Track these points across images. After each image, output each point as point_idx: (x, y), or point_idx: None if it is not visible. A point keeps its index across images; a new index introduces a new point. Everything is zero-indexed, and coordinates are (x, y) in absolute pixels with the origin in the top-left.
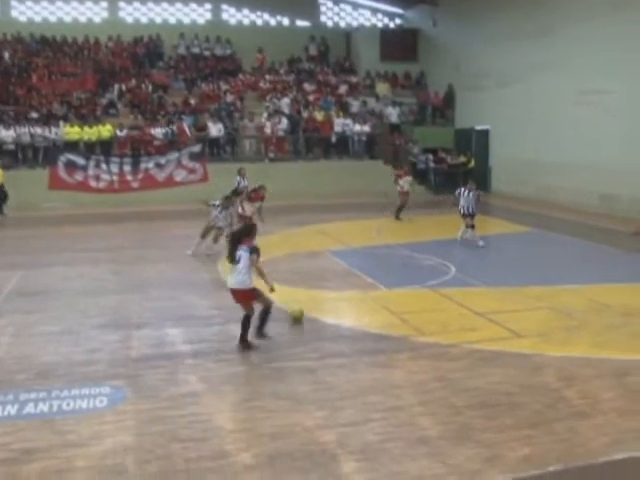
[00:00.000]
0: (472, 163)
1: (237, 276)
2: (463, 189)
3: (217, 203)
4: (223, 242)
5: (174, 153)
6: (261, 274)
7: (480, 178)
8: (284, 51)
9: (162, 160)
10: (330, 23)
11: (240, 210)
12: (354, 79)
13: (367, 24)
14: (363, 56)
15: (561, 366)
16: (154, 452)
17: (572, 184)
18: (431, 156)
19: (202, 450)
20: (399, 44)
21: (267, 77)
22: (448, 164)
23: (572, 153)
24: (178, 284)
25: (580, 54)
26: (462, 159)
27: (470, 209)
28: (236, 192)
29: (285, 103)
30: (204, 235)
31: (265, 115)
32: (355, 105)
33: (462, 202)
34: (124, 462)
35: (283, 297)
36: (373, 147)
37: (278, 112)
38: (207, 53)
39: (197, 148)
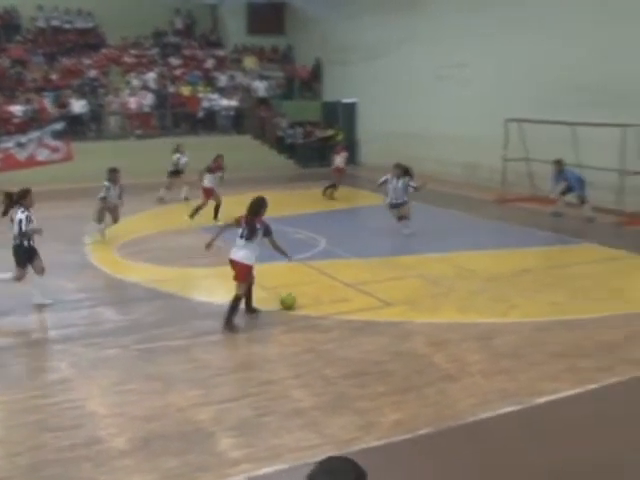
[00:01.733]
0: (340, 136)
1: (241, 250)
2: (390, 176)
3: (106, 184)
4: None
5: (35, 131)
6: (279, 250)
7: (348, 151)
8: (149, 24)
9: (23, 139)
10: None
11: (205, 184)
12: (221, 53)
13: None
14: (230, 29)
15: (429, 332)
16: (24, 444)
17: (437, 155)
18: (300, 129)
19: (75, 438)
20: (266, 17)
21: (132, 51)
22: (317, 138)
23: (436, 124)
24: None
25: (443, 28)
26: (330, 132)
27: (399, 199)
28: (177, 172)
29: (151, 78)
30: (100, 219)
31: (128, 91)
32: (222, 79)
33: (391, 192)
34: None
35: (153, 276)
36: (241, 122)
37: (144, 87)
38: (68, 26)
39: (59, 126)
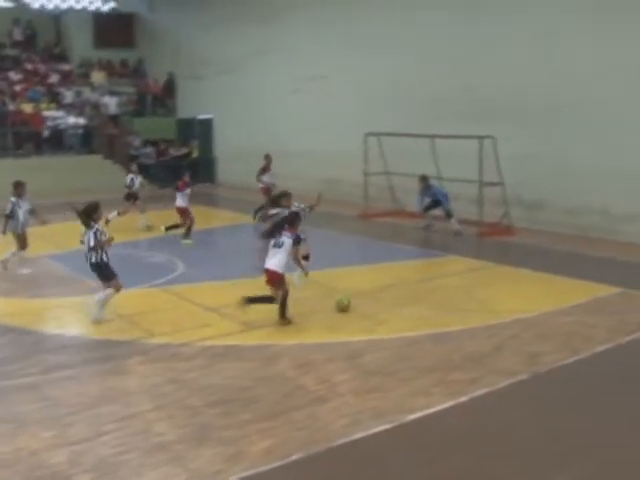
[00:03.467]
0: (195, 153)
1: (274, 258)
2: (280, 209)
3: (12, 199)
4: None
5: None
6: (298, 261)
7: (205, 169)
8: None
9: None
10: (36, 4)
11: (178, 203)
12: (66, 67)
13: (77, 6)
14: (75, 42)
15: (296, 354)
16: None
17: (297, 170)
18: (150, 148)
19: None
20: (114, 29)
21: None
22: (171, 156)
23: (295, 140)
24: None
25: (300, 41)
26: (184, 150)
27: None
28: (131, 195)
29: None
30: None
31: None
32: (68, 96)
33: None
34: None
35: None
36: (90, 141)
37: None
38: None
39: None
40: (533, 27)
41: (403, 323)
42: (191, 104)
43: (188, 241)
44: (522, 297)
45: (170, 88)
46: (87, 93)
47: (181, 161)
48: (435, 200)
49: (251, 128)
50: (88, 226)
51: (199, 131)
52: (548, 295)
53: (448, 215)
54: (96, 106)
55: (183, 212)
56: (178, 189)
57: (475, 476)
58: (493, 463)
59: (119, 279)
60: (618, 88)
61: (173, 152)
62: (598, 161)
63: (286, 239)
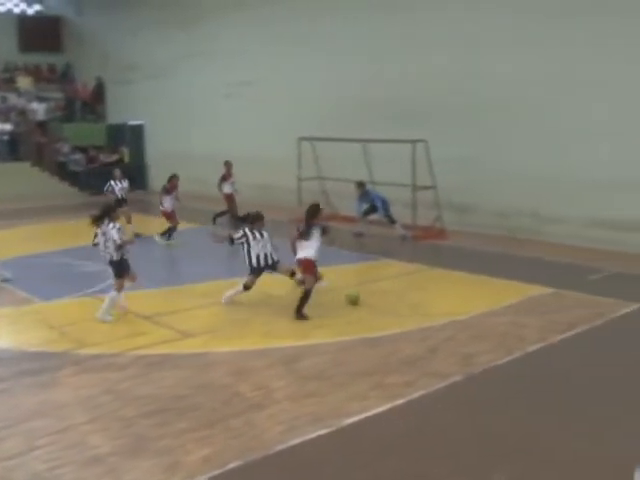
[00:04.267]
0: (126, 158)
1: (304, 250)
2: (248, 230)
3: None
4: None
5: None
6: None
7: (137, 175)
8: None
9: None
10: None
11: (162, 207)
12: None
13: (1, 9)
14: None
15: (233, 361)
16: None
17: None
18: (79, 155)
19: None
20: (40, 33)
21: None
22: (101, 163)
23: (228, 145)
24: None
25: (230, 45)
26: (115, 157)
27: (269, 258)
28: (120, 201)
29: None
30: None
31: None
32: None
33: (255, 249)
34: None
35: None
36: (17, 147)
37: None
38: None
39: None
40: (461, 31)
41: (339, 327)
42: (121, 109)
43: (166, 241)
44: (456, 299)
45: (99, 93)
46: (13, 99)
47: (112, 167)
48: (373, 205)
49: (183, 134)
50: (97, 225)
51: (130, 137)
52: (481, 296)
53: (391, 221)
54: (23, 112)
55: (169, 215)
56: (167, 191)
57: (411, 478)
58: (429, 464)
59: (126, 279)
60: (548, 92)
61: (103, 158)
62: (527, 164)
63: (314, 231)
